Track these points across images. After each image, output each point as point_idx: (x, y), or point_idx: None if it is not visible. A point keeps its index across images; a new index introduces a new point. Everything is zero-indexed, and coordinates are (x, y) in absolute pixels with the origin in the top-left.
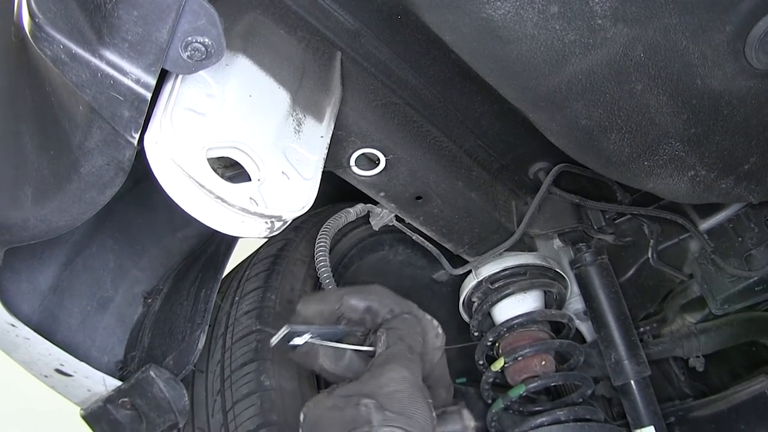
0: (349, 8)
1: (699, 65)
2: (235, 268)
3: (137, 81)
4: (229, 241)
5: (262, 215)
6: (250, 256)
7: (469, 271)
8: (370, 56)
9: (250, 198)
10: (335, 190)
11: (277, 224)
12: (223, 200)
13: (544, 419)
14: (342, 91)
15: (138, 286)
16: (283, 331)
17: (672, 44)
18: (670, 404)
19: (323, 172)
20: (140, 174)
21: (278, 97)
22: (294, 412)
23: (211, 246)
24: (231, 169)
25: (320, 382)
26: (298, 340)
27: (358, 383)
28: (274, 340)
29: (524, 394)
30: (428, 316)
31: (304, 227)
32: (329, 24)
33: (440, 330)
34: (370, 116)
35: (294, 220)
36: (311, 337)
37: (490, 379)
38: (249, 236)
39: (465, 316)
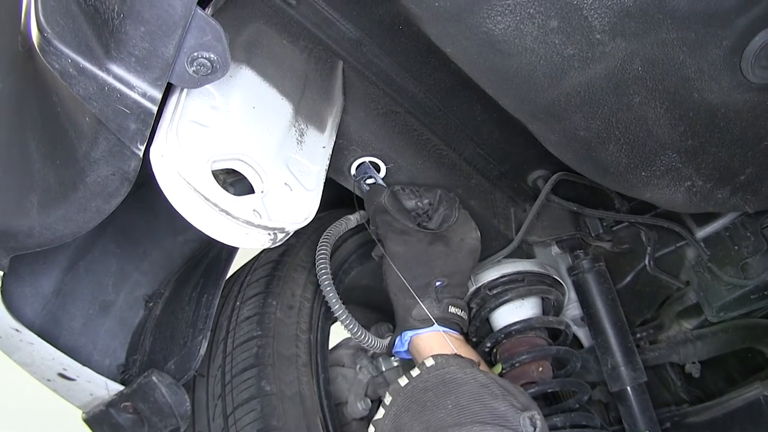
0: (351, 18)
1: (696, 79)
2: (235, 272)
3: (143, 95)
4: (231, 248)
5: (265, 227)
6: (250, 260)
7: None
8: (371, 65)
9: (254, 210)
10: (336, 196)
11: (280, 235)
12: (227, 213)
13: None
14: (344, 101)
15: (139, 290)
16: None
17: (669, 58)
18: (667, 410)
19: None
20: (142, 178)
21: (281, 108)
22: (294, 416)
23: (212, 250)
24: (232, 175)
25: (320, 389)
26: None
27: (518, 389)
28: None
29: None
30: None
31: (305, 233)
32: (331, 33)
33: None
34: (371, 125)
35: None
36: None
37: None
38: (252, 247)
39: None
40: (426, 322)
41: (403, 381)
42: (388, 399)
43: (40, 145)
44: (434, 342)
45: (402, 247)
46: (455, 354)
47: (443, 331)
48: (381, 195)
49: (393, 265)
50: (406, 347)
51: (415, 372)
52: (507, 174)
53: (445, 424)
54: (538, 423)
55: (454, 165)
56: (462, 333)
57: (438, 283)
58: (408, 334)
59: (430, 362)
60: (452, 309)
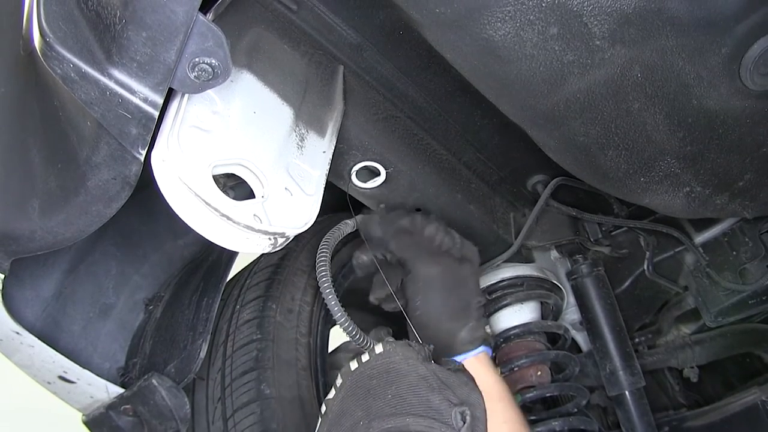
0: (351, 23)
1: (695, 86)
2: (235, 276)
3: (145, 100)
4: (231, 252)
5: (266, 232)
6: (250, 264)
7: None
8: (371, 70)
9: (255, 215)
10: (336, 200)
11: (280, 240)
12: (228, 218)
13: (539, 430)
14: (344, 105)
15: (139, 293)
16: None
17: (669, 65)
18: (665, 414)
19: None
20: (142, 182)
21: (282, 113)
22: (293, 420)
23: (212, 254)
24: (233, 180)
25: (320, 393)
26: None
27: (460, 381)
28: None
29: (520, 404)
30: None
31: (304, 237)
32: (332, 38)
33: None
34: (371, 130)
35: None
36: None
37: None
38: (252, 251)
39: None
40: (471, 345)
41: (354, 365)
42: (338, 381)
43: (41, 149)
44: (478, 363)
45: (437, 268)
46: (404, 342)
47: (482, 349)
48: (402, 217)
49: (434, 288)
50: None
51: (364, 357)
52: (506, 179)
53: (383, 413)
54: (468, 418)
55: (454, 170)
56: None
57: (477, 302)
58: (458, 359)
59: (378, 349)
60: (487, 328)
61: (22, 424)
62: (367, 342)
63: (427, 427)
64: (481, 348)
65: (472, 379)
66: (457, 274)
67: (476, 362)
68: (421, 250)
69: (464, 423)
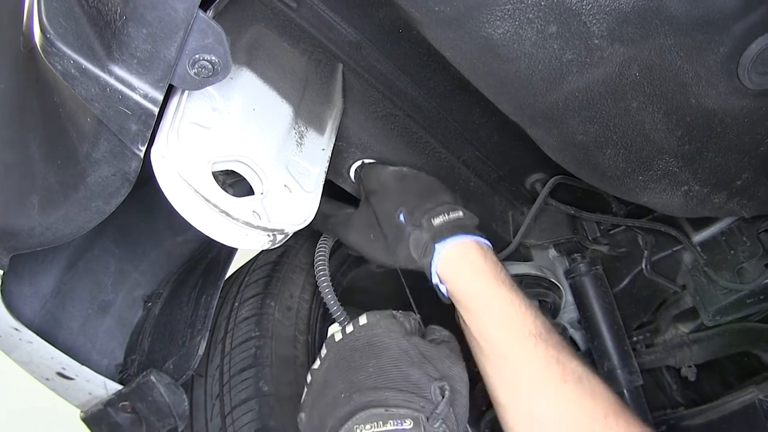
0: (351, 21)
1: (693, 84)
2: (234, 273)
3: (145, 96)
4: (230, 248)
5: (265, 228)
6: (249, 261)
7: None
8: (371, 68)
9: (254, 211)
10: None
11: (279, 237)
12: (227, 214)
13: None
14: (343, 103)
15: (138, 290)
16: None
17: (667, 64)
18: (663, 413)
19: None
20: (142, 179)
21: (281, 110)
22: (291, 417)
23: (211, 251)
24: (232, 177)
25: None
26: None
27: (442, 354)
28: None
29: None
30: None
31: (303, 234)
32: (332, 36)
33: None
34: (370, 128)
35: None
36: None
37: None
38: (251, 248)
39: (462, 324)
40: (428, 248)
41: (338, 336)
42: (323, 351)
43: (41, 145)
44: (452, 256)
45: (349, 232)
46: (389, 313)
47: (443, 243)
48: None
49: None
50: (438, 279)
51: (349, 328)
52: (505, 177)
53: (363, 387)
54: (447, 393)
55: (453, 168)
56: (474, 231)
57: (400, 215)
58: (432, 270)
59: (363, 320)
60: (436, 221)
61: (22, 422)
62: None
63: (405, 401)
64: (439, 245)
65: (456, 351)
66: (366, 217)
67: (449, 254)
68: (335, 226)
69: (443, 397)
